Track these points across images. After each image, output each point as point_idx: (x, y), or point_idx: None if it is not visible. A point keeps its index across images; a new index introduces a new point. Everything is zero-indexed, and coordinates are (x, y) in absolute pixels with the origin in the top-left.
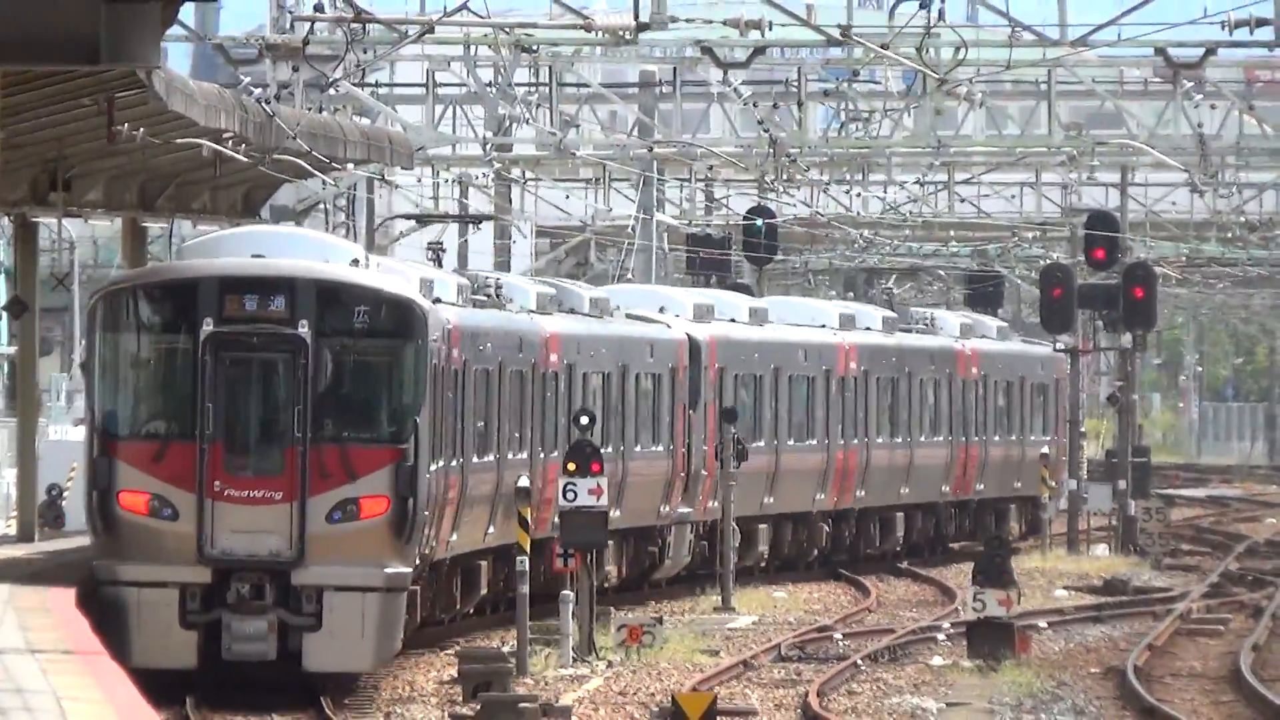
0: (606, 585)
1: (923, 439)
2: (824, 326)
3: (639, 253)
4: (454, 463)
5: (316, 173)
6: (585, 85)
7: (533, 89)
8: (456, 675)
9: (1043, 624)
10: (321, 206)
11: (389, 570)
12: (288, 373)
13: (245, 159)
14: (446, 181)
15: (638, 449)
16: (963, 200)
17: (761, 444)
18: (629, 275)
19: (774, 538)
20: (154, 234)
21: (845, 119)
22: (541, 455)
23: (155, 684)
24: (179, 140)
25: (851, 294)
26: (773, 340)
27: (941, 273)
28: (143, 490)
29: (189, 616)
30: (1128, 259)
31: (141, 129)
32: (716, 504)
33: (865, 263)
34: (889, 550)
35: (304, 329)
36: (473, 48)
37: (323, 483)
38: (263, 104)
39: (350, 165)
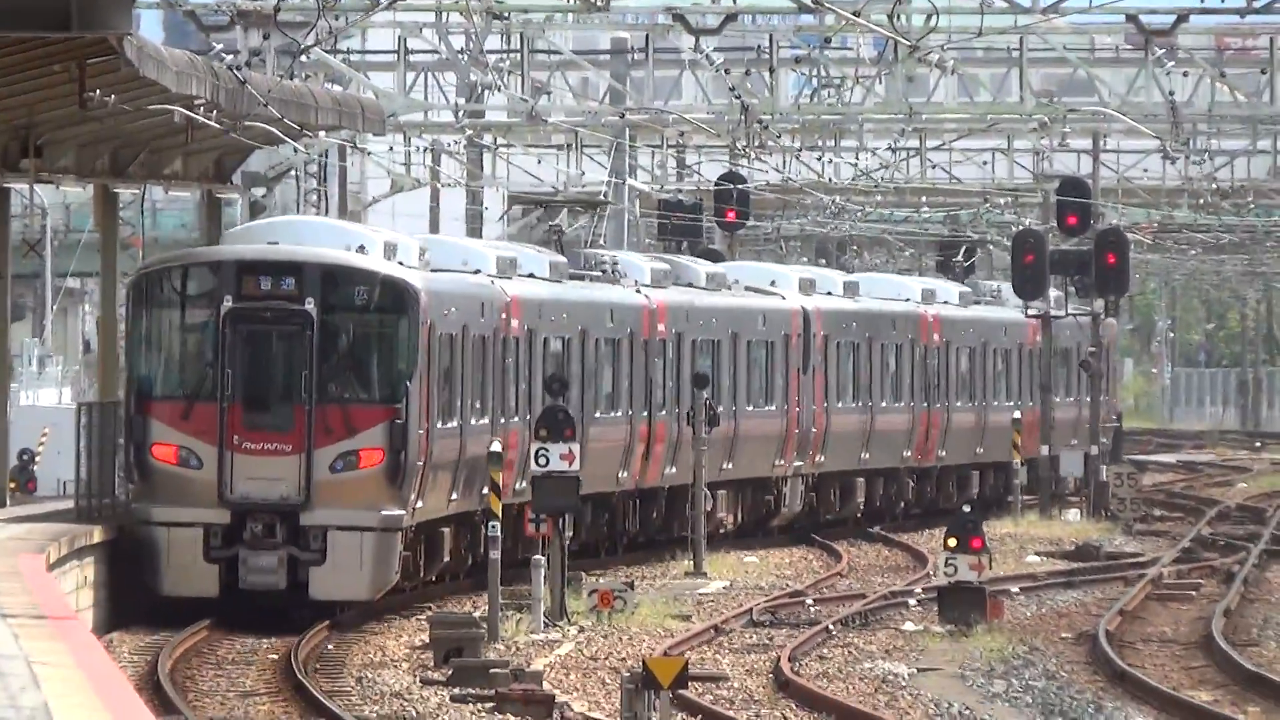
0: (723, 531)
1: (995, 403)
2: (908, 300)
3: (611, 219)
4: (514, 420)
5: (288, 139)
6: (557, 52)
7: (504, 56)
8: (428, 640)
9: (1014, 589)
10: (293, 173)
11: (384, 513)
12: (296, 343)
13: (217, 125)
14: (418, 149)
15: (750, 408)
16: (934, 167)
17: (858, 405)
18: (601, 241)
19: (868, 491)
20: (125, 200)
21: (817, 85)
22: (645, 414)
23: (182, 610)
24: (151, 107)
25: (823, 260)
26: (868, 311)
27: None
28: (172, 443)
29: (211, 552)
30: (1100, 225)
31: (113, 95)
32: (824, 458)
33: (837, 229)
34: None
35: (310, 305)
36: (444, 14)
37: (326, 437)
38: (234, 71)
39: (322, 132)
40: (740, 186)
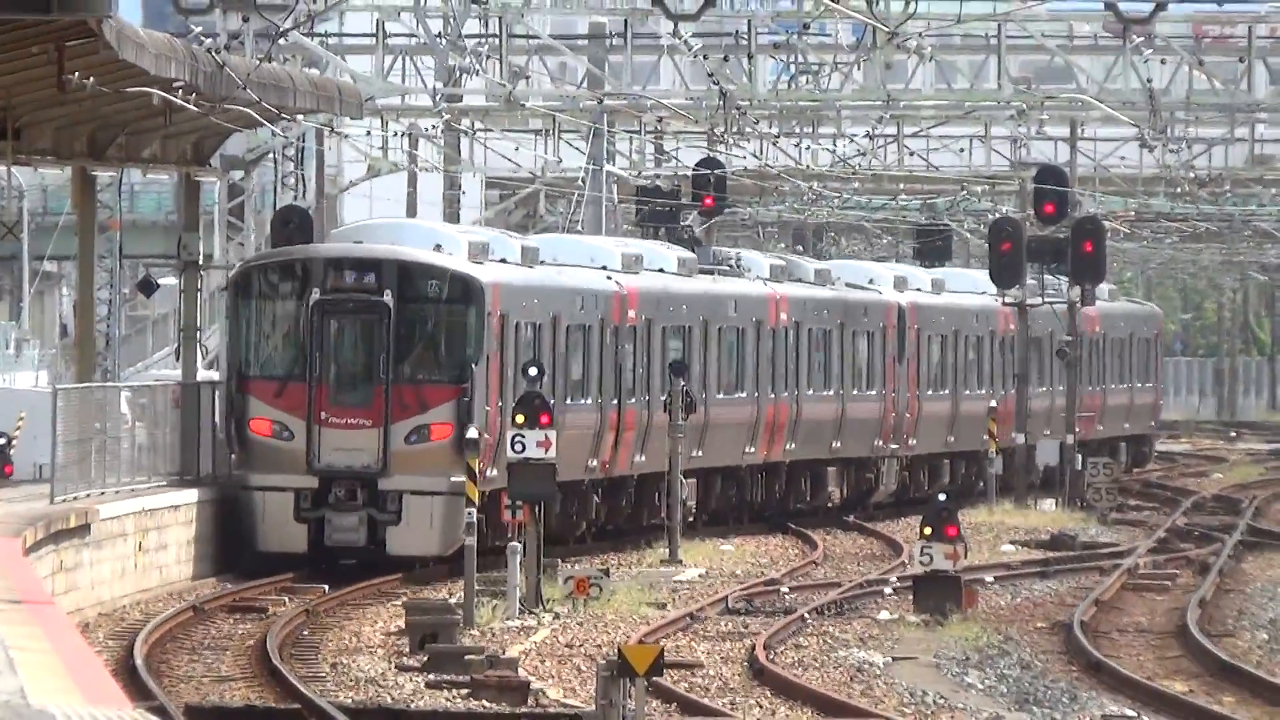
0: (830, 505)
1: (1060, 388)
2: (984, 293)
3: (588, 204)
4: (630, 401)
5: (266, 123)
6: (535, 36)
7: (482, 40)
8: (403, 626)
9: (989, 578)
10: (271, 157)
11: (453, 479)
12: (376, 330)
13: (195, 108)
14: (396, 133)
15: (855, 392)
16: (912, 154)
17: (946, 392)
18: (579, 227)
19: (952, 472)
20: (103, 182)
21: (795, 72)
22: (772, 396)
23: (274, 563)
24: (129, 89)
25: (800, 247)
26: (954, 306)
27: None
28: (267, 418)
29: (301, 513)
30: (1077, 213)
31: (92, 78)
32: (915, 441)
33: (814, 216)
34: (1035, 480)
35: (388, 297)
36: None
37: (402, 413)
38: (213, 54)
39: (299, 116)
40: (718, 172)
